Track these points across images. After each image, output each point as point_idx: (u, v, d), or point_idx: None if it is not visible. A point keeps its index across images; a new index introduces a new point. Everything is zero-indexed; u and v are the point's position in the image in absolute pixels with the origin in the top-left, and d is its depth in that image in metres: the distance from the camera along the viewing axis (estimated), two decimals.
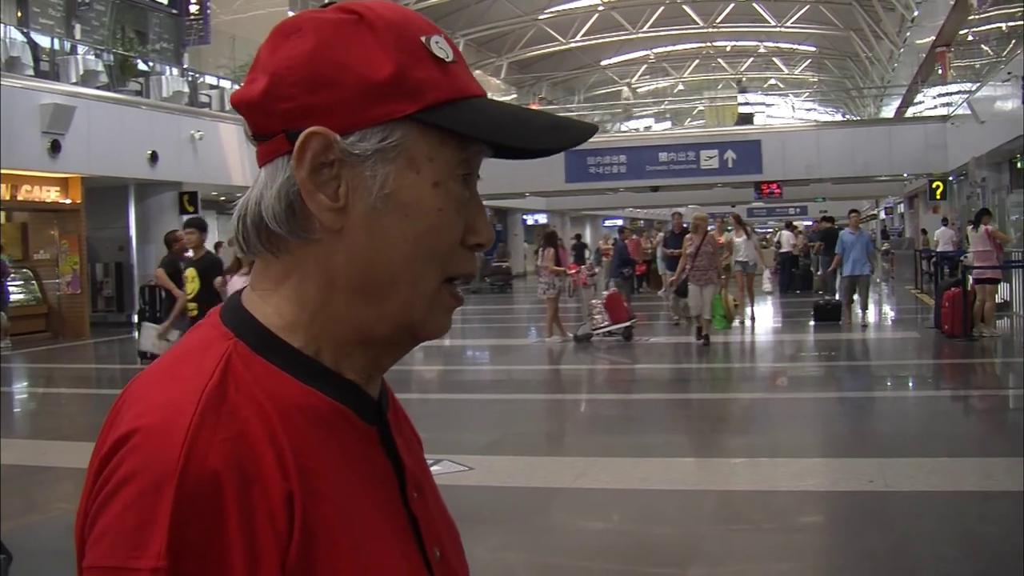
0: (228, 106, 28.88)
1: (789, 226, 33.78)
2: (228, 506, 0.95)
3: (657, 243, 25.23)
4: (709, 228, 17.78)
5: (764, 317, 22.73)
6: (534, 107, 45.09)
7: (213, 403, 0.99)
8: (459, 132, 1.08)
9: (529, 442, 10.65)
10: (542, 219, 51.13)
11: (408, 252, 1.07)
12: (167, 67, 29.67)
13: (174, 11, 31.71)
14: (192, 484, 0.94)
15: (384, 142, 1.05)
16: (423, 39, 1.08)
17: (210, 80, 30.94)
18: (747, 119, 38.76)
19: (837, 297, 20.81)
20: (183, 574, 0.92)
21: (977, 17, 30.57)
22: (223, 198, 29.51)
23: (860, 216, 21.21)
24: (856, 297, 19.75)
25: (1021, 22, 29.98)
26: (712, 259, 17.03)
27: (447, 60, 1.09)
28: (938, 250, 24.46)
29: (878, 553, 6.06)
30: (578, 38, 52.70)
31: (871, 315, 21.58)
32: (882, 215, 65.48)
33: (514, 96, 53.45)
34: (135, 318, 20.49)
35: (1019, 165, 26.56)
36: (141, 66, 27.82)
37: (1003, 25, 34.18)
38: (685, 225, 21.20)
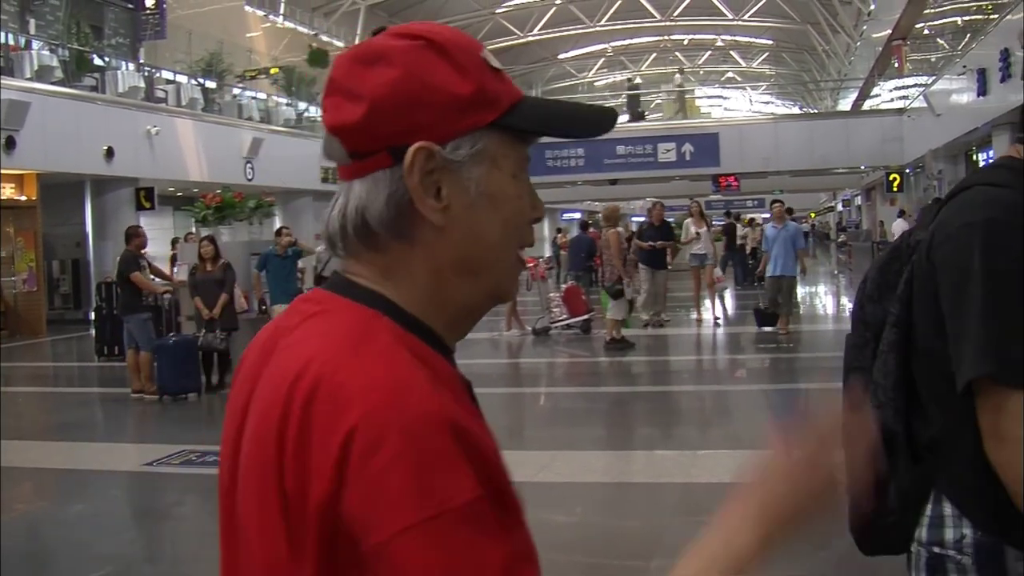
0: (185, 100, 28.74)
1: (737, 218, 33.73)
2: (465, 445, 1.10)
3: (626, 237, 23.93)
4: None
5: (724, 311, 22.73)
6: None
7: (420, 368, 1.15)
8: (533, 131, 1.31)
9: None
10: None
11: (500, 235, 1.28)
12: (123, 62, 29.42)
13: (130, 5, 31.52)
14: (453, 428, 1.09)
15: (474, 148, 1.24)
16: (481, 55, 1.28)
17: (166, 75, 30.74)
18: (639, 115, 38.97)
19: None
20: (487, 496, 1.08)
21: (933, 11, 30.84)
22: (180, 194, 29.34)
23: (784, 207, 17.55)
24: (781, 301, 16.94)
25: (976, 16, 30.29)
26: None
27: (500, 69, 1.29)
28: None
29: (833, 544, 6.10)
30: (535, 32, 52.83)
31: (820, 310, 21.49)
32: (840, 207, 65.95)
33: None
34: (92, 315, 20.32)
35: (975, 158, 26.83)
36: (97, 61, 27.57)
37: (958, 19, 34.51)
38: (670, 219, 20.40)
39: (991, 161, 2.11)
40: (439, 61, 1.23)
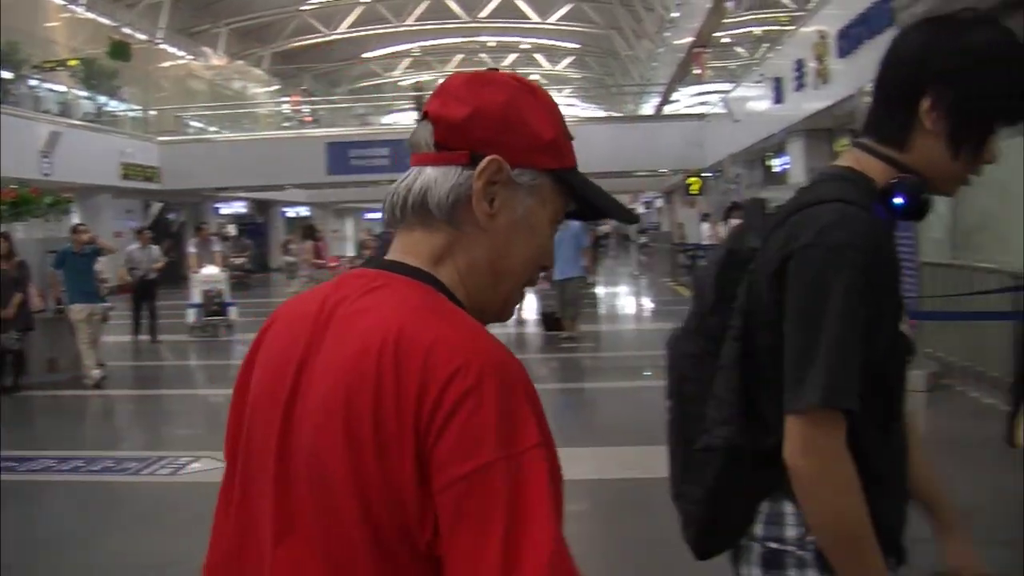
0: None
1: None
2: (533, 398, 1.34)
3: None
4: None
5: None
6: (297, 98, 44.61)
7: (489, 332, 1.38)
8: (581, 193, 1.56)
9: None
10: (303, 212, 50.32)
11: (524, 258, 1.51)
12: None
13: None
14: (527, 382, 1.33)
15: (534, 181, 1.49)
16: (564, 120, 1.56)
17: None
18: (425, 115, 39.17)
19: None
20: (544, 444, 1.30)
21: (732, 20, 31.67)
22: None
23: None
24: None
25: (773, 27, 31.20)
26: None
27: (572, 139, 1.56)
28: (701, 243, 25.25)
29: (641, 539, 6.08)
30: (342, 30, 52.21)
31: (625, 307, 21.72)
32: (641, 209, 67.30)
33: (277, 88, 52.48)
34: None
35: (769, 163, 27.67)
36: None
37: (756, 29, 35.57)
38: None
39: (836, 171, 2.11)
40: (537, 106, 1.51)
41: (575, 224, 15.52)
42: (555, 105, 1.54)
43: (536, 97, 1.51)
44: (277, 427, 1.39)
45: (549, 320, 17.11)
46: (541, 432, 1.29)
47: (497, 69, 1.59)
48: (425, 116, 1.52)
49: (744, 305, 2.04)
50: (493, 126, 1.46)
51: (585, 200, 1.56)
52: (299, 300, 1.53)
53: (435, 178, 1.46)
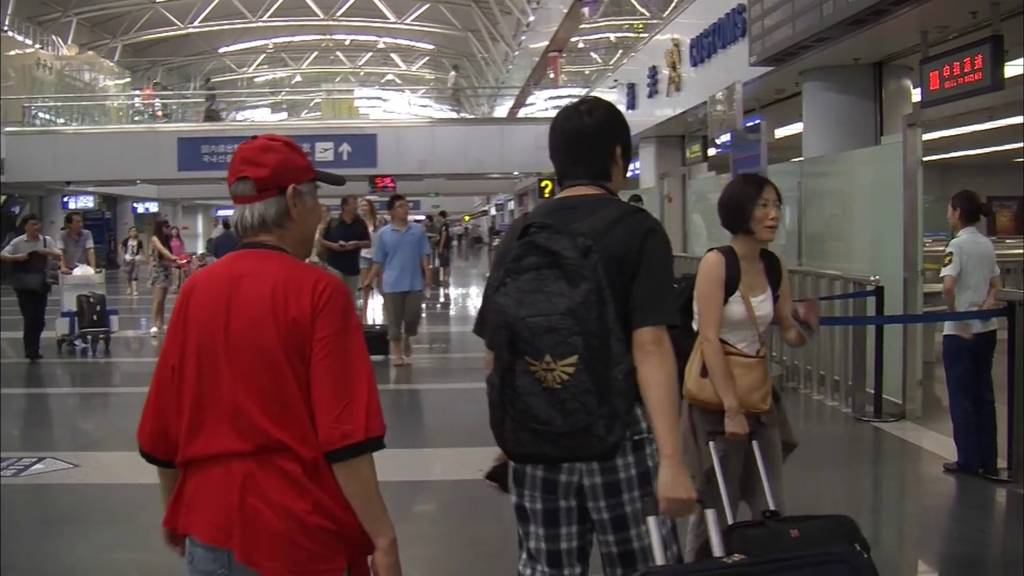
0: None
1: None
2: (350, 299, 2.89)
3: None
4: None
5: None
6: (148, 92, 43.69)
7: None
8: (322, 179, 3.02)
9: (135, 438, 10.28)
10: (153, 207, 49.35)
11: (312, 230, 3.04)
12: None
13: None
14: (348, 293, 2.83)
15: (308, 188, 2.93)
16: (304, 150, 3.03)
17: None
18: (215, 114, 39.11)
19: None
20: (358, 325, 2.84)
21: (588, 26, 32.14)
22: None
23: (407, 204, 14.55)
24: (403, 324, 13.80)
25: (628, 33, 31.78)
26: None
27: (307, 154, 3.03)
28: None
29: (485, 539, 6.24)
30: (196, 24, 51.35)
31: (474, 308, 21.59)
32: (493, 211, 67.75)
33: (128, 80, 51.35)
34: None
35: None
36: None
37: (611, 35, 36.14)
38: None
39: (604, 196, 3.44)
40: (295, 151, 2.92)
41: (417, 228, 14.45)
42: (296, 144, 2.94)
43: (292, 147, 2.91)
44: (222, 331, 2.72)
45: (377, 341, 13.62)
46: (355, 318, 2.79)
47: (282, 139, 2.96)
48: (244, 177, 2.83)
49: (594, 272, 3.14)
50: (283, 171, 2.85)
51: (325, 179, 3.03)
52: (208, 270, 2.94)
53: (264, 207, 2.84)
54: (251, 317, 2.67)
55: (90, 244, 17.33)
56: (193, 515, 2.72)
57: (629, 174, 3.92)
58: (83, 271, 16.74)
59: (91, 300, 16.04)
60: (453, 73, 46.50)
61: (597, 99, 3.64)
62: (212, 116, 38.05)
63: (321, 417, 2.61)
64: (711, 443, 4.57)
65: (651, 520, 3.15)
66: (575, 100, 3.81)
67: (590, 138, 3.46)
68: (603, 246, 3.15)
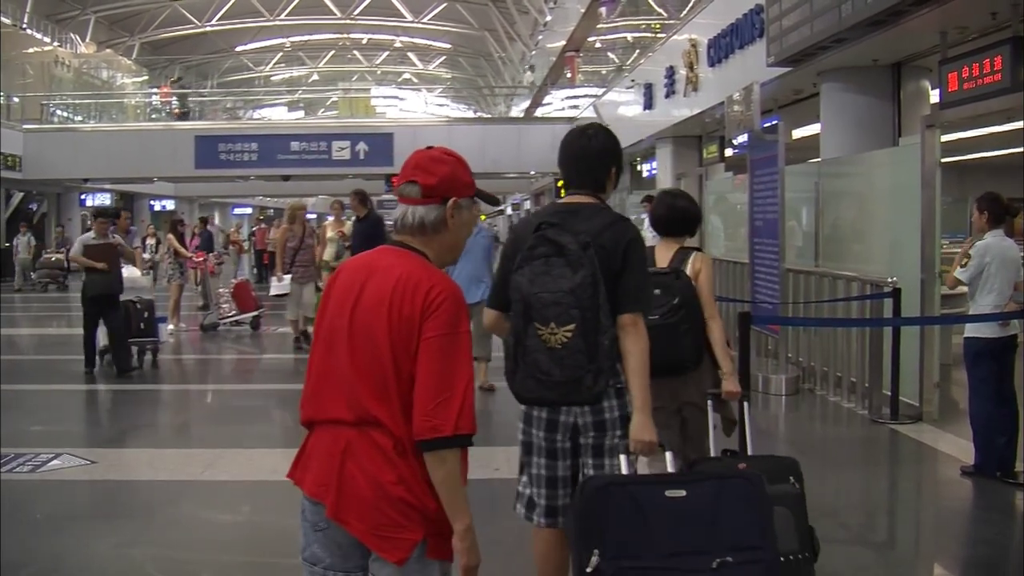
0: None
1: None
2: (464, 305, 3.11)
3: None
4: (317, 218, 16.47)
5: None
6: (165, 90, 43.79)
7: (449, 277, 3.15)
8: (479, 197, 3.34)
9: (154, 434, 10.43)
10: (170, 205, 49.48)
11: (464, 238, 3.31)
12: None
13: None
14: (463, 301, 3.07)
15: (467, 203, 3.23)
16: (468, 166, 3.34)
17: None
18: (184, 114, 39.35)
19: None
20: (467, 331, 3.05)
21: (605, 26, 32.11)
22: None
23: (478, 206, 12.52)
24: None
25: (645, 33, 31.74)
26: (313, 252, 15.67)
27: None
28: None
29: (503, 537, 6.26)
30: (214, 22, 51.45)
31: None
32: (509, 211, 67.67)
33: (145, 78, 51.48)
34: None
35: (639, 167, 28.13)
36: None
37: (629, 35, 36.08)
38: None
39: (597, 204, 4.44)
40: (463, 166, 3.21)
41: (484, 231, 12.72)
42: (466, 162, 3.23)
43: (462, 163, 3.21)
44: (348, 313, 3.04)
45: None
46: (467, 324, 3.02)
47: (434, 147, 3.27)
48: (413, 182, 3.14)
49: (590, 263, 4.06)
50: (449, 184, 3.15)
51: (484, 199, 3.42)
52: (353, 261, 3.25)
53: (425, 212, 3.14)
54: (372, 307, 3.00)
55: (137, 243, 15.98)
56: (307, 471, 3.10)
57: (646, 174, 4.67)
58: (129, 272, 14.87)
59: (138, 306, 14.08)
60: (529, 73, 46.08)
61: (601, 126, 4.67)
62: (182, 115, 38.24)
63: (418, 409, 2.89)
64: (708, 400, 5.42)
65: (622, 457, 4.15)
66: (583, 125, 4.76)
67: (592, 158, 4.50)
68: (597, 243, 4.14)
